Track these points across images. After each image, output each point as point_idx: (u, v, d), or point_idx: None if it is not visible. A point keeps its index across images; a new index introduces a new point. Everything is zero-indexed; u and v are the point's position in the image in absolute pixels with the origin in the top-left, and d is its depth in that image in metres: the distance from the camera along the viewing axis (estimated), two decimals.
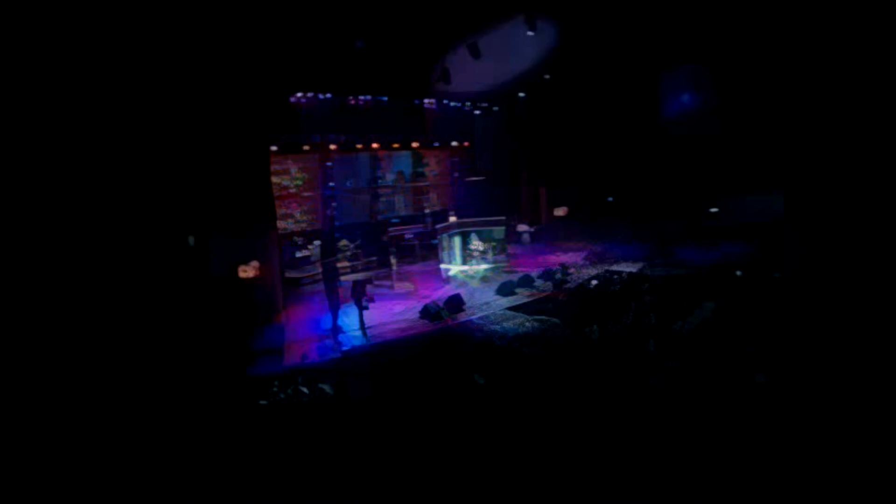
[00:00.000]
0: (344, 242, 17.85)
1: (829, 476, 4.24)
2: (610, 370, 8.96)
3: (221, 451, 6.75)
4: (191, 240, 10.30)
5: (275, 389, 8.24)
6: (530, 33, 13.41)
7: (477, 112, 20.71)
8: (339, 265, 16.92)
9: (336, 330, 11.43)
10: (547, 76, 17.36)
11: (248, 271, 12.63)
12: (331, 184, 18.38)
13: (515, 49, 15.07)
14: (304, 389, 8.14)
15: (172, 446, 6.93)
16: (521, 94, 19.36)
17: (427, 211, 20.41)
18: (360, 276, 13.63)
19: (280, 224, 17.14)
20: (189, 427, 7.31)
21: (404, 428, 7.35)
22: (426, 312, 11.92)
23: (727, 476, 5.89)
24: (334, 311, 11.67)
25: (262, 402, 7.91)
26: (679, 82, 20.07)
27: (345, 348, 10.36)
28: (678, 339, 9.54)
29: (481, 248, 16.30)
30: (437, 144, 20.90)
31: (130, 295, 8.70)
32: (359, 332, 11.37)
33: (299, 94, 16.16)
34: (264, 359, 9.96)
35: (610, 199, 20.16)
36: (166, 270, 9.70)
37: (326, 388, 8.18)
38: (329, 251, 17.23)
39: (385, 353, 10.02)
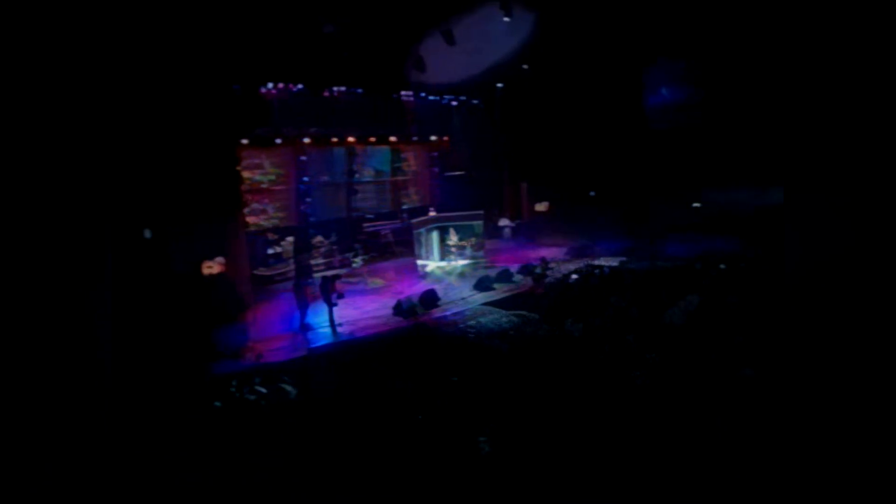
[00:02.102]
0: (318, 239, 17.32)
1: (820, 474, 3.87)
2: (591, 366, 8.53)
3: (171, 456, 6.20)
4: (146, 233, 9.67)
5: (232, 390, 7.68)
6: (506, 19, 12.97)
7: (454, 103, 20.23)
8: (312, 262, 16.40)
9: (304, 327, 10.89)
10: (525, 66, 16.93)
11: (212, 267, 12.02)
12: (305, 178, 17.79)
13: (492, 38, 14.66)
14: (263, 389, 7.59)
15: (122, 450, 6.36)
16: (500, 85, 18.90)
17: (405, 206, 19.90)
18: (329, 272, 13.07)
19: (252, 220, 16.56)
20: (138, 430, 6.73)
21: (370, 429, 6.85)
22: (399, 309, 11.43)
23: (713, 474, 5.51)
24: (302, 308, 11.13)
25: (217, 403, 7.35)
26: (661, 75, 19.83)
27: (311, 346, 9.82)
28: (662, 333, 9.15)
29: (459, 244, 15.83)
30: (415, 139, 20.38)
31: (75, 290, 8.06)
32: (328, 330, 10.84)
33: (270, 85, 15.55)
34: (226, 358, 9.39)
35: (592, 193, 19.83)
36: (119, 265, 9.07)
37: (288, 387, 7.65)
38: (302, 248, 16.67)
39: (353, 350, 9.52)
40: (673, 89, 19.80)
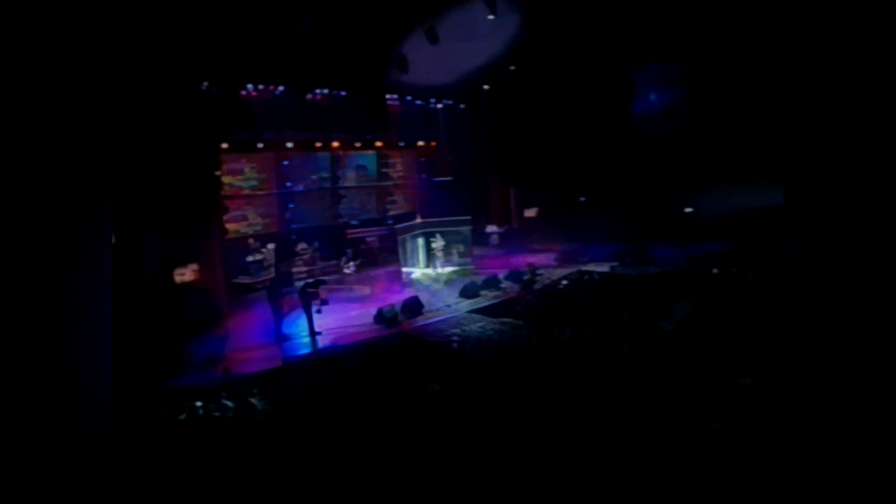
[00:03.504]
0: (302, 246, 16.81)
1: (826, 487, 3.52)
2: (580, 376, 8.08)
3: (124, 473, 5.66)
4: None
5: (197, 404, 7.15)
6: (491, 17, 12.59)
7: (440, 106, 19.84)
8: (294, 270, 15.88)
9: (280, 337, 10.36)
10: (512, 68, 16.54)
11: (185, 274, 11.53)
12: (287, 184, 17.31)
13: (478, 38, 14.26)
14: (229, 403, 7.07)
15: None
16: (486, 87, 18.48)
17: (392, 213, 19.41)
18: (310, 279, 12.56)
19: (232, 226, 16.03)
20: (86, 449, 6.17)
21: (342, 445, 6.35)
22: (380, 317, 10.93)
23: (714, 490, 5.07)
24: (278, 317, 10.60)
25: (180, 418, 6.82)
26: (650, 80, 19.54)
27: (285, 357, 9.29)
28: (655, 340, 8.71)
29: (446, 250, 15.36)
30: (402, 144, 19.94)
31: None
32: (305, 339, 10.32)
33: (250, 87, 15.09)
34: (194, 370, 8.85)
35: (582, 199, 19.45)
36: (76, 270, 8.54)
37: (255, 402, 7.12)
38: (284, 255, 16.15)
39: (329, 361, 9.00)
40: (661, 94, 19.53)
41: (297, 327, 11.01)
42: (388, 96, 18.30)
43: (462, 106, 20.21)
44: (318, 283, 11.69)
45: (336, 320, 11.37)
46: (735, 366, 7.29)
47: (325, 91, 16.72)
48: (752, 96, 15.67)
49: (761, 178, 14.09)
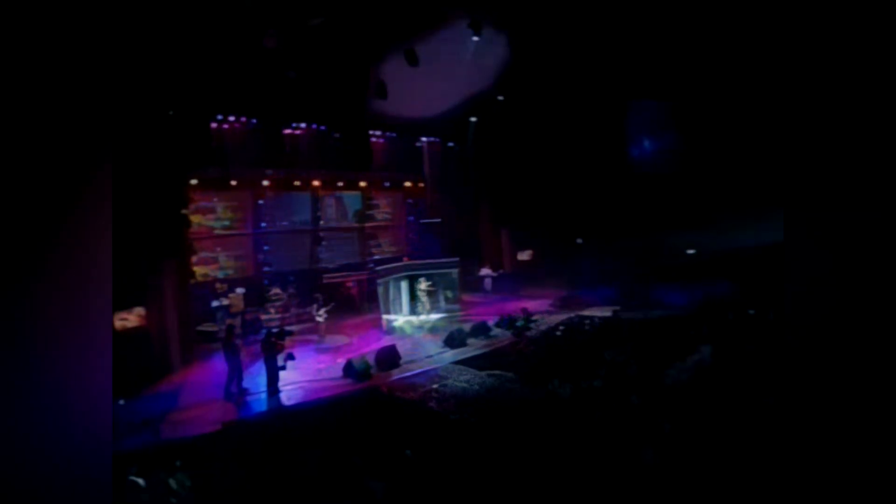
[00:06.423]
0: (275, 291, 15.44)
1: None
2: (584, 439, 6.60)
3: None
4: None
5: None
6: (475, 38, 11.72)
7: (426, 139, 18.91)
8: (265, 316, 14.47)
9: (230, 394, 8.84)
10: (500, 97, 15.62)
11: (128, 320, 10.12)
12: (263, 224, 16.11)
13: (464, 68, 13.40)
14: (139, 481, 5.54)
15: None
16: (473, 119, 17.54)
17: (377, 257, 18.13)
18: (275, 329, 11.04)
19: (201, 269, 14.74)
20: None
21: None
22: (350, 370, 9.46)
23: None
24: (232, 370, 9.11)
25: None
26: (643, 118, 18.84)
27: (230, 418, 7.75)
28: (671, 394, 7.28)
29: (432, 294, 13.98)
30: (388, 184, 18.92)
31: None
32: (263, 396, 8.80)
33: (220, 118, 14.07)
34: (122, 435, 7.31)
35: (579, 240, 18.30)
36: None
37: (174, 481, 5.59)
38: (256, 300, 14.76)
39: (282, 423, 7.48)
40: (656, 136, 18.81)
41: (255, 382, 9.51)
42: (371, 132, 17.39)
43: (450, 144, 19.30)
44: (283, 334, 10.20)
45: (301, 373, 9.89)
46: (779, 424, 5.84)
47: (304, 125, 15.78)
48: (748, 133, 14.93)
49: (762, 215, 13.10)
